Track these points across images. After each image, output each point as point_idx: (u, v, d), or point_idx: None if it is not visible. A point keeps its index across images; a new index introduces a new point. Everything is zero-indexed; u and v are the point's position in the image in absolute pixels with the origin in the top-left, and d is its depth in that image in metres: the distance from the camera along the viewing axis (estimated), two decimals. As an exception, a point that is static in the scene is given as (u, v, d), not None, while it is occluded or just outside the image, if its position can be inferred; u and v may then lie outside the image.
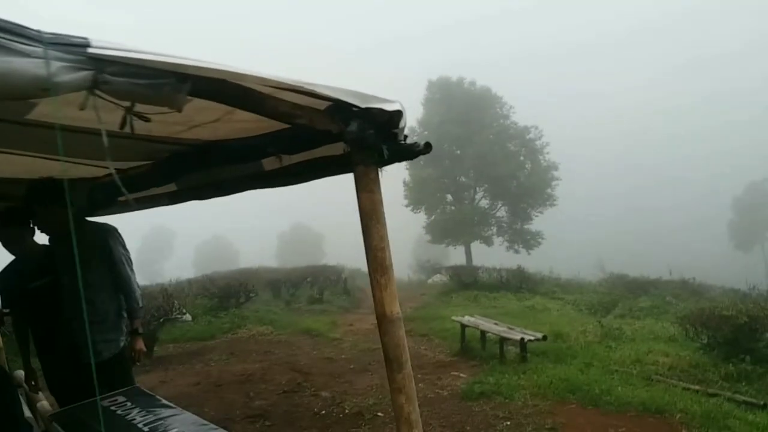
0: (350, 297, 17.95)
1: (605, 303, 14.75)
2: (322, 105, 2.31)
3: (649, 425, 5.17)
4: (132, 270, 3.88)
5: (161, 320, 9.00)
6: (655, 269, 21.35)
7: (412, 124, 31.87)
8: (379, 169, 2.52)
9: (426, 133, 31.03)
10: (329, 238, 62.09)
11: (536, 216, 30.11)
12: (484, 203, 31.69)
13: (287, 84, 2.01)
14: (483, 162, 29.30)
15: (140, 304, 3.83)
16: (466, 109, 29.99)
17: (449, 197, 31.83)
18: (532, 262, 23.07)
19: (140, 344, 3.80)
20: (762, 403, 5.47)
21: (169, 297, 10.26)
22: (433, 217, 31.35)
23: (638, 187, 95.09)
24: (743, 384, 6.19)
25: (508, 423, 5.42)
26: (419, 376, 7.48)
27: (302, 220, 70.00)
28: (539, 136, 30.32)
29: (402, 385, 2.51)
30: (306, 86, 2.04)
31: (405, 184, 31.39)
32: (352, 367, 8.08)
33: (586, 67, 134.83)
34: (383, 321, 2.51)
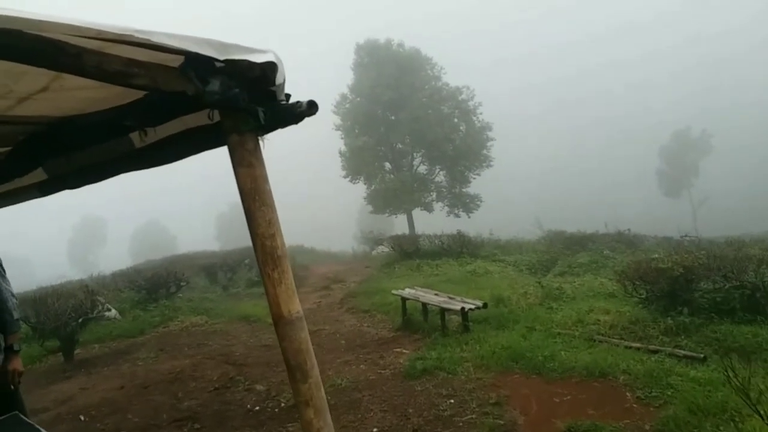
0: (291, 276, 17.39)
1: (545, 262, 14.83)
2: (176, 61, 1.82)
3: (593, 390, 5.02)
4: (3, 276, 3.29)
5: (80, 320, 8.22)
6: (591, 223, 21.83)
7: (343, 91, 31.14)
8: (259, 137, 2.06)
9: (358, 99, 30.29)
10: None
11: (474, 178, 30.14)
12: (423, 169, 31.38)
13: (112, 33, 1.49)
14: (418, 126, 28.78)
15: (15, 316, 3.25)
16: (396, 72, 29.20)
17: (387, 165, 31.37)
18: (473, 225, 23.08)
19: (15, 364, 3.23)
20: (702, 356, 5.40)
21: (90, 293, 9.46)
22: (372, 186, 30.83)
23: (569, 143, 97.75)
24: (682, 337, 6.14)
25: (452, 401, 5.18)
26: (361, 356, 7.21)
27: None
28: (471, 96, 30.05)
29: (309, 396, 2.10)
30: (138, 35, 1.52)
31: (341, 154, 30.70)
32: (290, 353, 7.66)
33: (508, 26, 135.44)
34: (280, 322, 2.09)
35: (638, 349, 5.95)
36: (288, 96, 2.07)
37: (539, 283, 9.93)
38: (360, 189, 32.31)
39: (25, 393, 6.85)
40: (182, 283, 12.51)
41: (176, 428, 5.28)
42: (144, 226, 72.26)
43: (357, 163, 30.11)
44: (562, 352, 6.07)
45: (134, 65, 1.66)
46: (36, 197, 3.40)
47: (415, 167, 31.31)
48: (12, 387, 3.22)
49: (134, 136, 2.57)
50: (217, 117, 2.00)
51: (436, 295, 8.15)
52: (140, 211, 76.34)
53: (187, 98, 1.90)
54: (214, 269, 16.23)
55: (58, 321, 7.86)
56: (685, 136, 61.47)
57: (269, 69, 1.86)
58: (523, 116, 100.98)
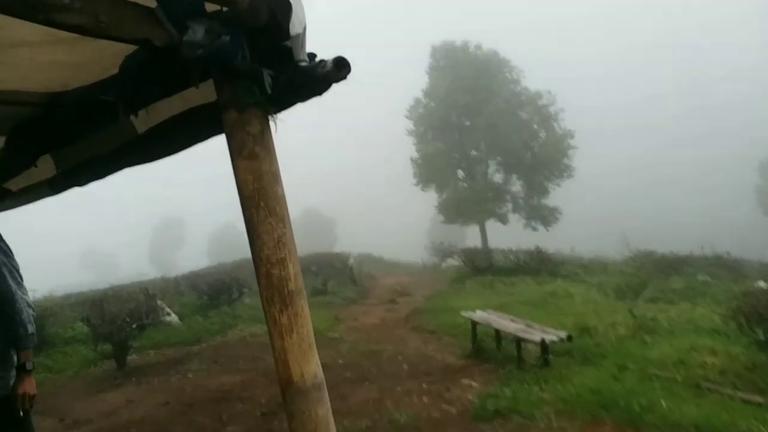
0: (357, 287, 16.88)
1: (633, 285, 13.45)
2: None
3: (709, 457, 4.01)
4: (18, 282, 2.79)
5: (134, 326, 7.97)
6: (683, 243, 20.04)
7: (417, 95, 30.40)
8: (269, 116, 1.39)
9: (432, 104, 29.49)
10: (342, 224, 61.17)
11: (553, 189, 28.54)
12: (498, 178, 30.08)
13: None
14: (494, 132, 27.53)
15: (29, 330, 2.73)
16: (473, 75, 28.02)
17: (461, 173, 30.31)
18: (552, 240, 21.74)
19: (27, 386, 2.71)
20: None
21: (151, 297, 9.26)
22: (444, 195, 29.91)
23: (659, 158, 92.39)
24: (821, 394, 4.95)
25: (530, 455, 4.32)
26: (425, 385, 6.43)
27: (314, 205, 68.68)
28: (552, 101, 28.51)
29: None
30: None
31: (412, 160, 30.00)
32: (348, 375, 7.03)
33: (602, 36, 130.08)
34: (288, 390, 1.39)
35: (759, 405, 4.83)
36: (312, 56, 1.38)
37: (630, 311, 8.77)
38: (432, 197, 31.55)
39: (75, 399, 6.67)
40: (244, 289, 12.20)
41: (215, 458, 4.75)
42: (221, 228, 74.44)
43: (429, 171, 29.26)
44: (663, 401, 5.03)
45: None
46: (48, 195, 3.01)
47: (489, 175, 30.11)
48: (21, 413, 2.71)
49: (135, 118, 2.00)
50: (210, 90, 1.33)
51: (511, 321, 7.25)
52: (220, 214, 79.07)
53: (180, 64, 1.26)
54: (279, 275, 15.95)
55: (112, 326, 7.62)
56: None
57: (280, 11, 1.17)
58: (611, 128, 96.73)
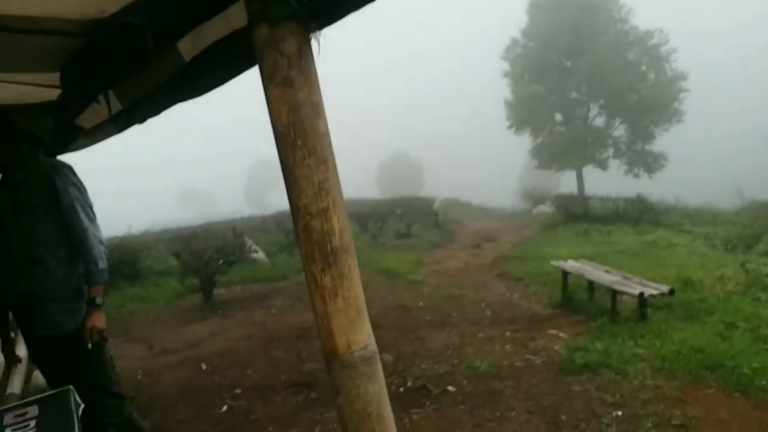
0: (441, 231, 16.69)
1: (745, 237, 12.23)
2: None
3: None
4: (91, 218, 2.84)
5: (220, 262, 8.30)
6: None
7: (514, 35, 28.87)
8: (311, 34, 1.15)
9: (531, 44, 28.00)
10: (429, 167, 60.54)
11: (660, 135, 26.49)
12: (599, 122, 28.35)
13: None
14: (597, 74, 25.84)
15: (100, 266, 2.78)
16: (577, 13, 26.29)
17: (558, 116, 28.80)
18: (655, 188, 20.25)
19: (95, 320, 2.76)
20: None
21: (238, 235, 9.59)
22: (539, 139, 28.63)
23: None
24: None
25: (619, 413, 4.00)
26: (508, 333, 6.19)
27: (402, 149, 68.36)
28: (664, 41, 26.13)
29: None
30: None
31: (506, 103, 28.80)
32: (428, 318, 6.94)
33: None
34: (334, 363, 1.18)
35: None
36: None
37: (742, 265, 7.96)
38: (525, 142, 30.30)
39: (164, 329, 7.07)
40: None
41: (292, 394, 4.80)
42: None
43: (524, 114, 28.04)
44: (779, 365, 4.50)
45: None
46: (114, 133, 2.98)
47: (590, 119, 28.38)
48: (89, 345, 2.79)
49: (182, 45, 1.81)
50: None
51: (606, 272, 6.77)
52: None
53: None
54: (365, 217, 16.01)
55: (199, 261, 7.98)
56: None
57: None
58: (728, 61, 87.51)
